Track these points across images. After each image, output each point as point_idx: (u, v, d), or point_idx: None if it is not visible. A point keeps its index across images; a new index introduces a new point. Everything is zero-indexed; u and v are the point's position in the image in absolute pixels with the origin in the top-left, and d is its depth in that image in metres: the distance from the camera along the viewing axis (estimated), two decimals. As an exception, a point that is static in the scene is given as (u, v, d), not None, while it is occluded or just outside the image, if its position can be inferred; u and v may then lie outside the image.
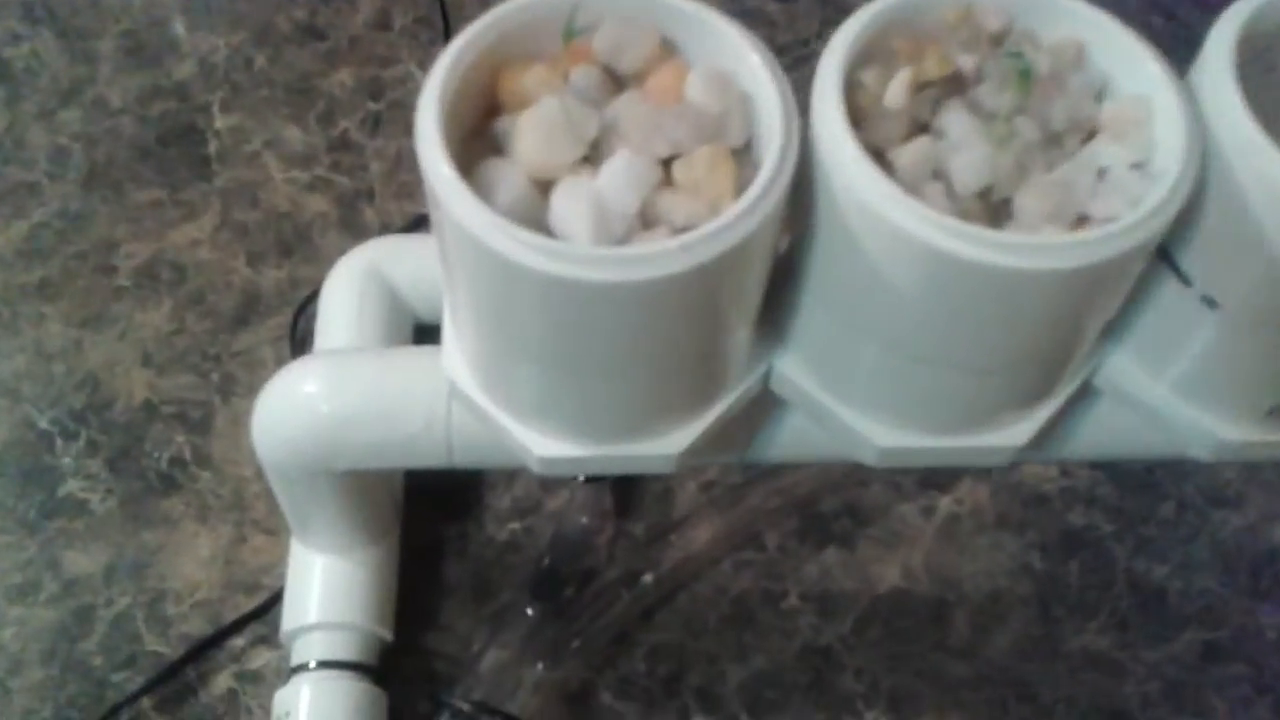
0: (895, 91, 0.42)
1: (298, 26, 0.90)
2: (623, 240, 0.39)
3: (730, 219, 0.38)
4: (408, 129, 0.92)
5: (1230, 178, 0.41)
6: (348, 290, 0.70)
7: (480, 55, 0.42)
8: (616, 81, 0.43)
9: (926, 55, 0.43)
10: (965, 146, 0.41)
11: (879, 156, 0.42)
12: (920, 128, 0.43)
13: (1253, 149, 0.39)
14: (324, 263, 0.79)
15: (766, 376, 0.49)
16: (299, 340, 0.75)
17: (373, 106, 0.87)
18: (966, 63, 0.43)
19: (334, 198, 0.82)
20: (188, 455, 0.71)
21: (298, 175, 0.82)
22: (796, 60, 0.94)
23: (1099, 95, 0.43)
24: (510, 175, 0.40)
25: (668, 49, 0.43)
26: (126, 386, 0.73)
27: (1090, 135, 0.43)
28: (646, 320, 0.40)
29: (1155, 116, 0.42)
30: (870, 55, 0.43)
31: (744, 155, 0.42)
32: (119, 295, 0.76)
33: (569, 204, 0.39)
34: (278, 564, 0.67)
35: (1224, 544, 0.75)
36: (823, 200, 0.42)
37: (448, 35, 0.87)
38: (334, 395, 0.54)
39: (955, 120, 0.42)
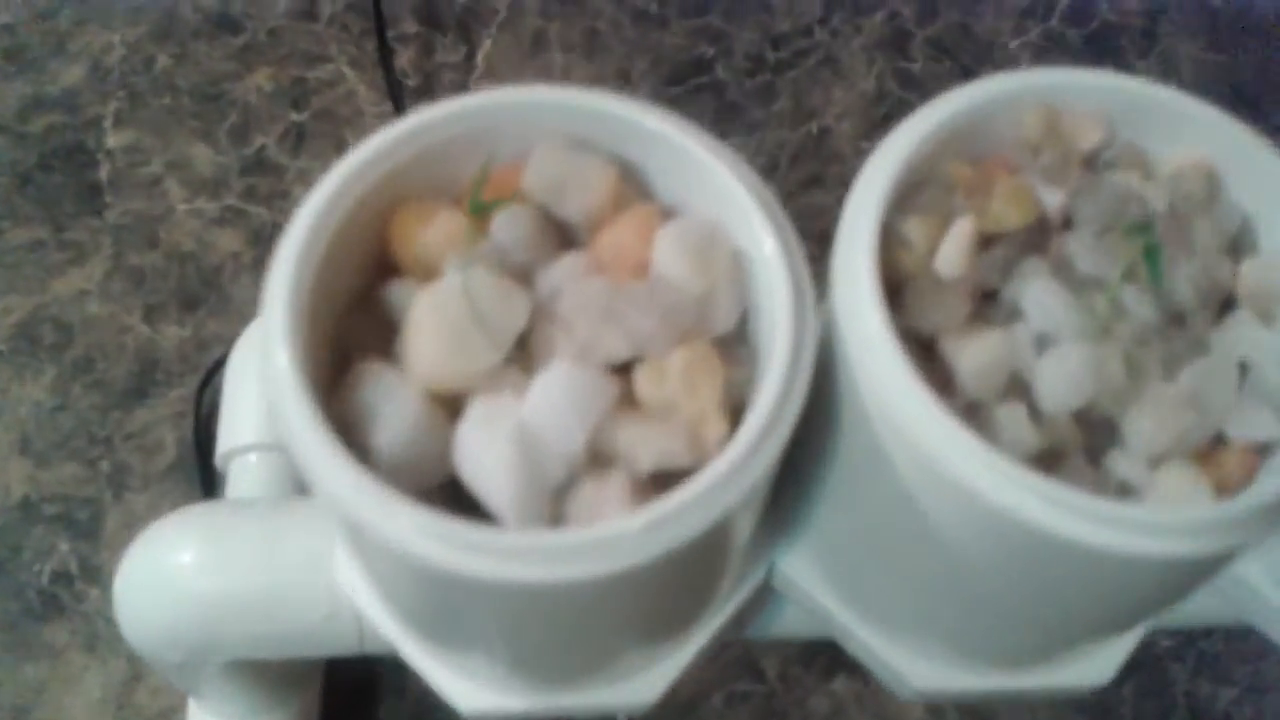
0: (952, 252, 0.29)
1: (207, 17, 0.76)
2: (564, 487, 0.27)
3: (719, 476, 0.26)
4: (338, 145, 0.78)
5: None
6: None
7: (363, 199, 0.30)
8: (555, 229, 0.31)
9: (995, 190, 0.30)
10: (1054, 340, 0.29)
11: (928, 347, 0.29)
12: (984, 294, 0.30)
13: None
14: (236, 316, 0.66)
15: (768, 573, 0.38)
16: (204, 418, 0.63)
17: (295, 117, 0.73)
18: (1051, 198, 0.31)
19: (248, 233, 0.69)
20: (73, 568, 0.60)
21: (205, 206, 0.69)
22: (796, 54, 0.81)
23: (1234, 246, 0.31)
24: (399, 395, 0.27)
25: (629, 185, 0.31)
26: (1, 480, 0.61)
27: (1223, 307, 0.30)
28: (599, 608, 0.28)
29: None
30: (916, 188, 0.31)
31: (734, 343, 0.30)
32: (-9, 362, 0.64)
33: (482, 442, 0.27)
34: (179, 708, 0.56)
35: None
36: (846, 403, 0.30)
37: (380, 28, 0.74)
38: (214, 569, 0.42)
39: (1038, 293, 0.29)
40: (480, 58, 0.80)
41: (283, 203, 0.70)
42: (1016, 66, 0.84)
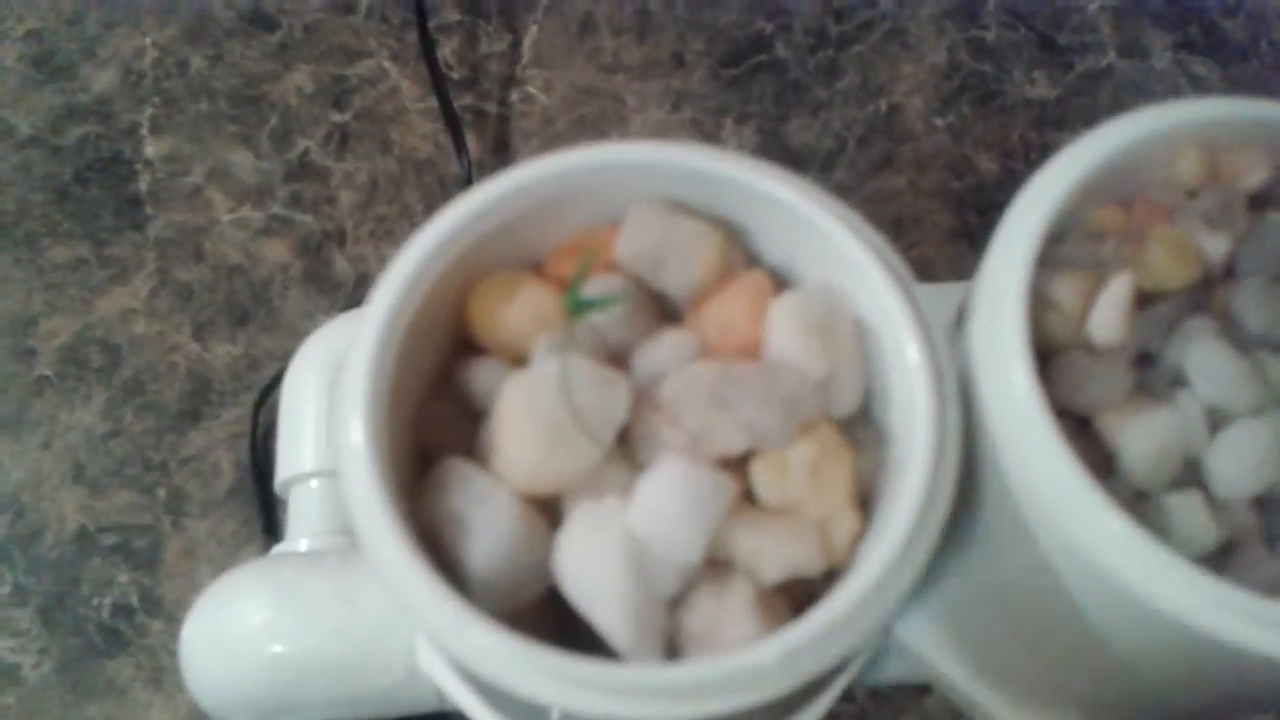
0: (1110, 315, 0.26)
1: (241, 14, 0.73)
2: (678, 599, 0.24)
3: (859, 597, 0.23)
4: (383, 145, 0.75)
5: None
6: (319, 383, 0.55)
7: (443, 275, 0.27)
8: (653, 302, 0.27)
9: (1151, 241, 0.27)
10: (1224, 412, 0.25)
11: (1082, 425, 0.26)
12: (1140, 357, 0.27)
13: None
14: (287, 331, 0.64)
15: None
16: (261, 439, 0.60)
17: (337, 118, 0.70)
18: (1213, 246, 0.27)
19: (296, 243, 0.66)
20: (134, 600, 0.57)
21: (249, 215, 0.66)
22: (860, 27, 0.77)
23: None
24: (492, 502, 0.25)
25: (735, 252, 0.27)
26: (56, 510, 0.59)
27: None
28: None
29: None
30: (1058, 239, 0.27)
31: (858, 423, 0.27)
32: (40, 389, 0.61)
33: (587, 554, 0.24)
34: (247, 746, 0.54)
35: None
36: (989, 480, 0.26)
37: (422, 18, 0.70)
38: (286, 632, 0.40)
39: (1204, 358, 0.26)
40: (526, 45, 0.76)
41: (330, 209, 0.67)
42: (1098, 33, 0.79)
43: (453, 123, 0.69)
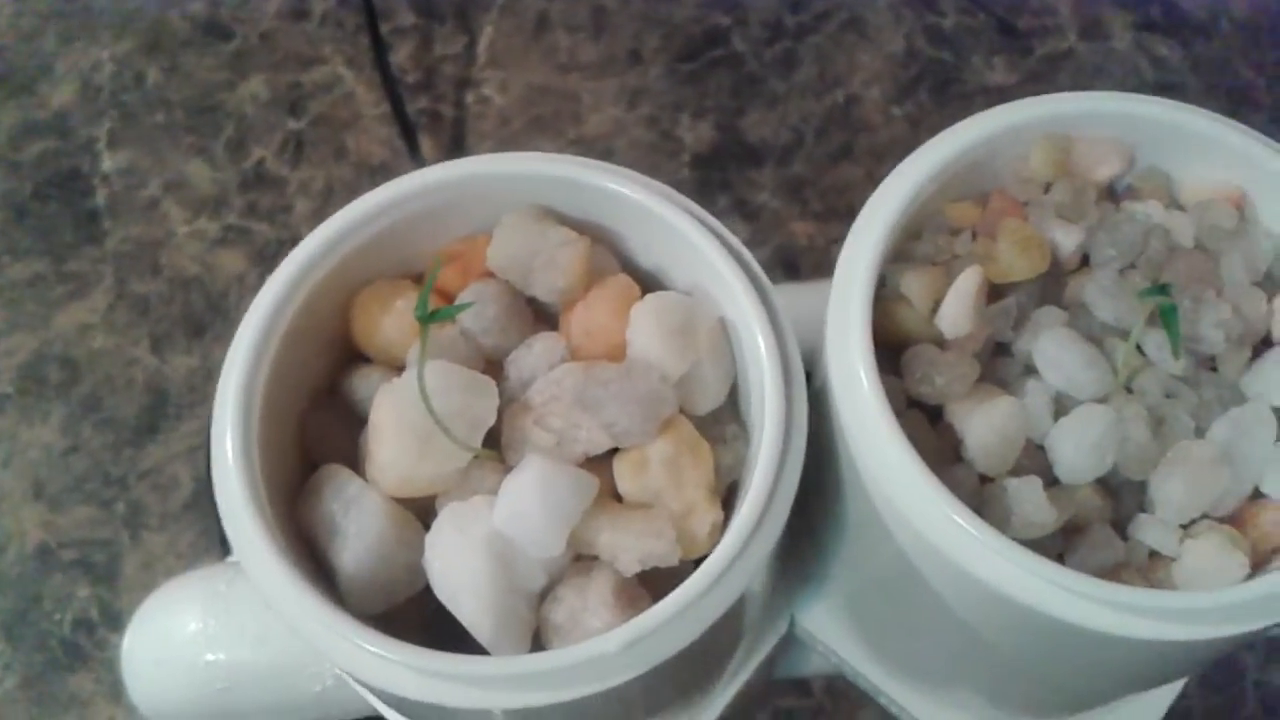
0: (957, 309, 0.27)
1: (196, 25, 0.74)
2: (545, 591, 0.25)
3: (701, 587, 0.24)
4: (338, 152, 0.76)
5: None
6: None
7: (323, 284, 0.28)
8: (529, 307, 0.28)
9: (1002, 235, 0.28)
10: (1072, 399, 0.26)
11: (934, 415, 0.27)
12: (995, 347, 0.28)
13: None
14: (245, 339, 0.65)
15: (791, 624, 0.36)
16: (220, 446, 0.61)
17: (293, 125, 0.71)
18: (1065, 238, 0.28)
19: (252, 252, 0.67)
20: (95, 614, 0.59)
21: (205, 226, 0.67)
22: (817, 18, 0.78)
23: (1269, 280, 0.28)
24: (363, 505, 0.26)
25: (607, 253, 0.28)
26: (16, 527, 0.60)
27: (1260, 345, 0.28)
28: (597, 710, 0.26)
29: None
30: (915, 234, 0.28)
31: (725, 419, 0.27)
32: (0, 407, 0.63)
33: (453, 552, 0.25)
34: (209, 748, 0.55)
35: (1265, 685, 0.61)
36: (845, 471, 0.27)
37: (373, 23, 0.71)
38: (219, 640, 0.41)
39: (1052, 347, 0.27)
40: (482, 46, 0.77)
41: (286, 217, 0.68)
42: (1057, 16, 0.79)
43: (406, 127, 0.70)
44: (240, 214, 0.68)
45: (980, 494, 0.26)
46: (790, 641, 0.37)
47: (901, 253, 0.28)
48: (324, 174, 0.69)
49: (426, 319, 0.24)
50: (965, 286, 0.27)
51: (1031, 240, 0.27)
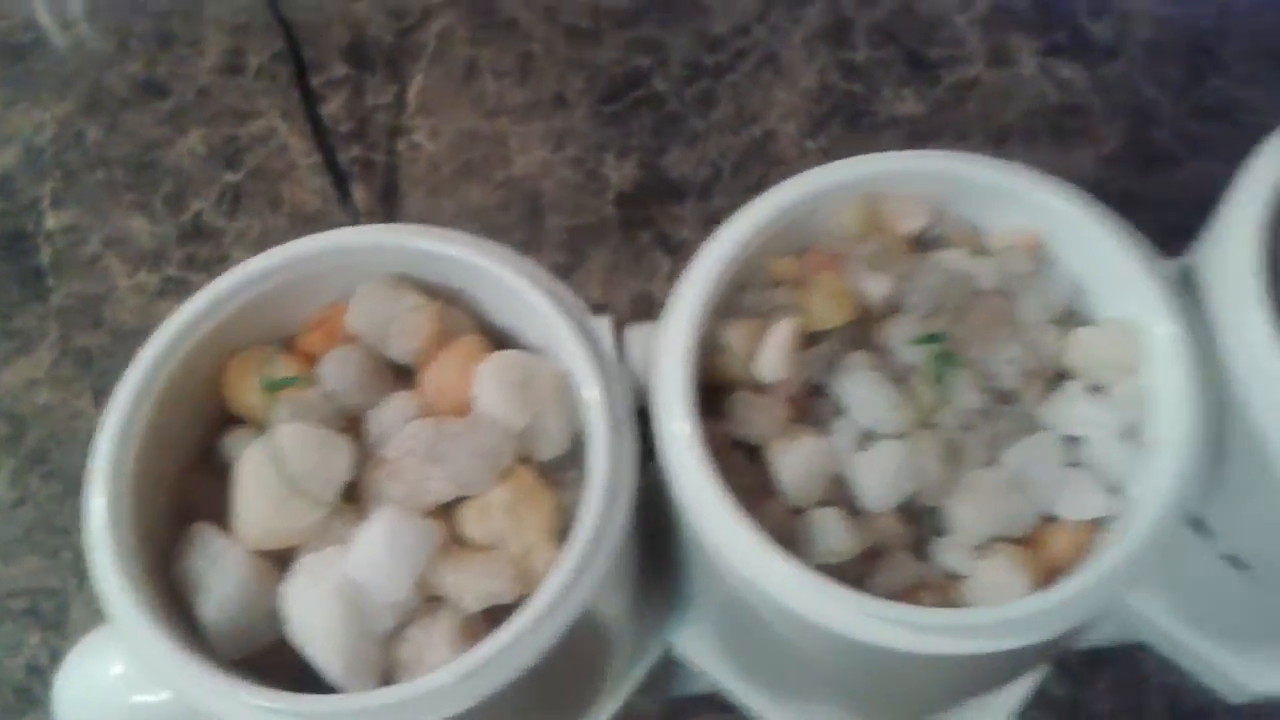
0: (771, 357, 0.29)
1: (135, 84, 0.76)
2: (395, 633, 0.28)
3: (529, 621, 0.26)
4: (273, 202, 0.79)
5: (1254, 427, 0.29)
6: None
7: (195, 352, 0.30)
8: (391, 369, 0.31)
9: (816, 287, 0.30)
10: (878, 435, 0.29)
11: (753, 453, 0.29)
12: (813, 389, 0.30)
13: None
14: (186, 388, 0.67)
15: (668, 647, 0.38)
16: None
17: (229, 178, 0.73)
18: (876, 287, 0.30)
19: (192, 302, 0.69)
20: (45, 660, 0.61)
21: (146, 279, 0.69)
22: (735, 56, 0.80)
23: (1066, 317, 0.31)
24: (226, 559, 0.28)
25: (466, 316, 0.31)
26: (-33, 577, 0.63)
27: (1056, 379, 0.30)
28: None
29: (1150, 351, 0.29)
30: (743, 286, 0.31)
31: (570, 465, 0.30)
32: (-49, 459, 0.65)
33: (308, 600, 0.27)
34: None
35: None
36: (680, 516, 0.30)
37: (302, 76, 0.73)
38: (143, 682, 0.43)
39: (858, 388, 0.29)
40: (412, 94, 0.79)
41: (223, 267, 0.69)
42: (964, 46, 0.82)
43: (337, 175, 0.73)
44: (179, 266, 0.70)
45: (791, 525, 0.28)
46: (674, 667, 0.40)
47: (730, 305, 0.30)
48: (260, 224, 0.72)
49: (272, 387, 0.27)
50: (780, 336, 0.29)
51: (840, 291, 0.30)
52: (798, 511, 0.28)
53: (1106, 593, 0.26)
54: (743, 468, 0.29)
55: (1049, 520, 0.29)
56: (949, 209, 0.31)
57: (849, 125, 0.78)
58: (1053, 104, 0.78)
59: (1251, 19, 0.80)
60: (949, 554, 0.28)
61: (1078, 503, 0.28)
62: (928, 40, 0.80)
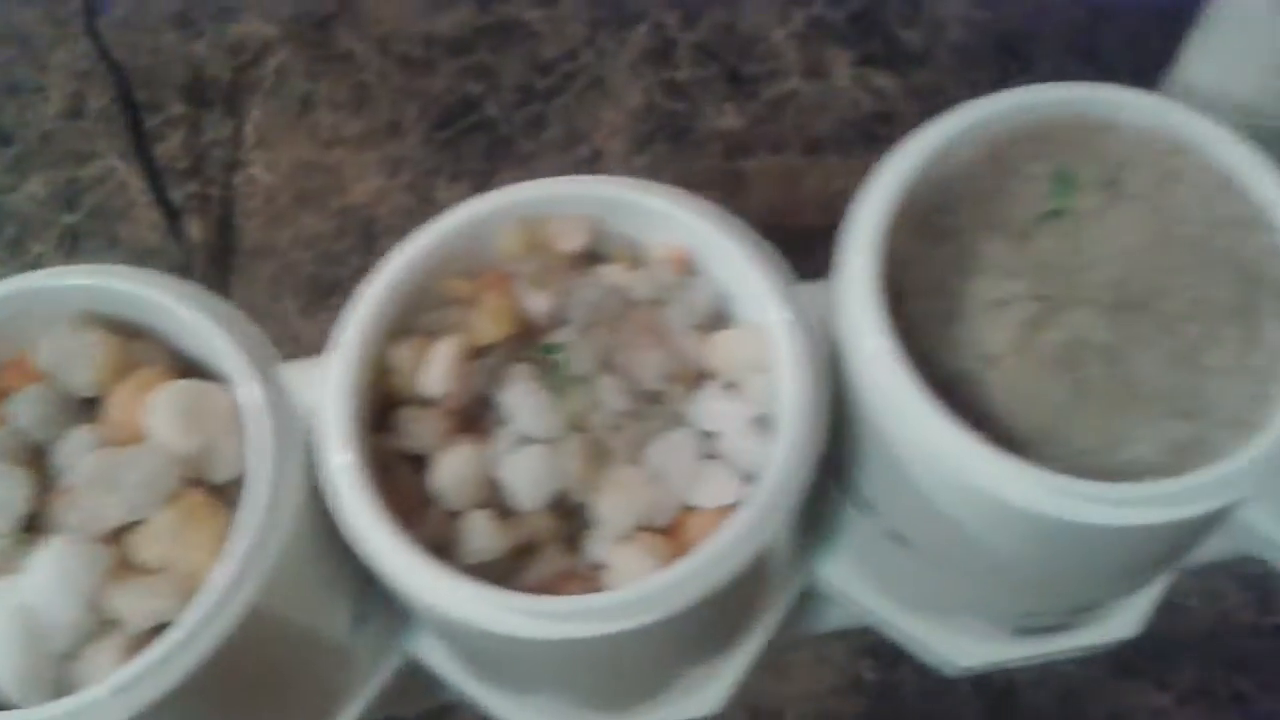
0: (434, 372, 0.31)
1: (-26, 133, 0.78)
2: (72, 653, 0.29)
3: (176, 641, 0.28)
4: (111, 241, 0.80)
5: (878, 429, 0.31)
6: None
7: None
8: (76, 405, 0.33)
9: (481, 306, 0.32)
10: (535, 439, 0.31)
11: (421, 463, 0.31)
12: (484, 401, 0.32)
13: (898, 398, 0.30)
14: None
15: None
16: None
17: (69, 219, 0.75)
18: (538, 305, 0.33)
19: (26, 344, 0.70)
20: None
21: (-18, 324, 0.71)
22: (564, 79, 0.83)
23: (714, 322, 0.33)
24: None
25: (146, 354, 0.33)
26: None
27: (700, 379, 0.33)
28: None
29: (776, 353, 0.31)
30: (421, 306, 0.33)
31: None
32: None
33: (-10, 623, 0.29)
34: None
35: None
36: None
37: (134, 115, 0.75)
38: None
39: (517, 397, 0.31)
40: (249, 129, 0.81)
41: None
42: (782, 60, 0.85)
43: (168, 211, 0.74)
44: (12, 309, 0.71)
45: (449, 528, 0.30)
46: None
47: (408, 326, 0.33)
48: (98, 262, 0.73)
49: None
50: (442, 352, 0.31)
51: (501, 308, 0.32)
52: (455, 515, 0.30)
53: (722, 569, 0.29)
54: (409, 479, 0.31)
55: (689, 509, 0.31)
56: (610, 228, 0.34)
57: (673, 141, 0.81)
58: (866, 112, 0.81)
59: (1058, 17, 0.84)
60: (596, 546, 0.30)
61: (712, 491, 0.31)
62: (747, 56, 0.83)
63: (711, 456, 0.32)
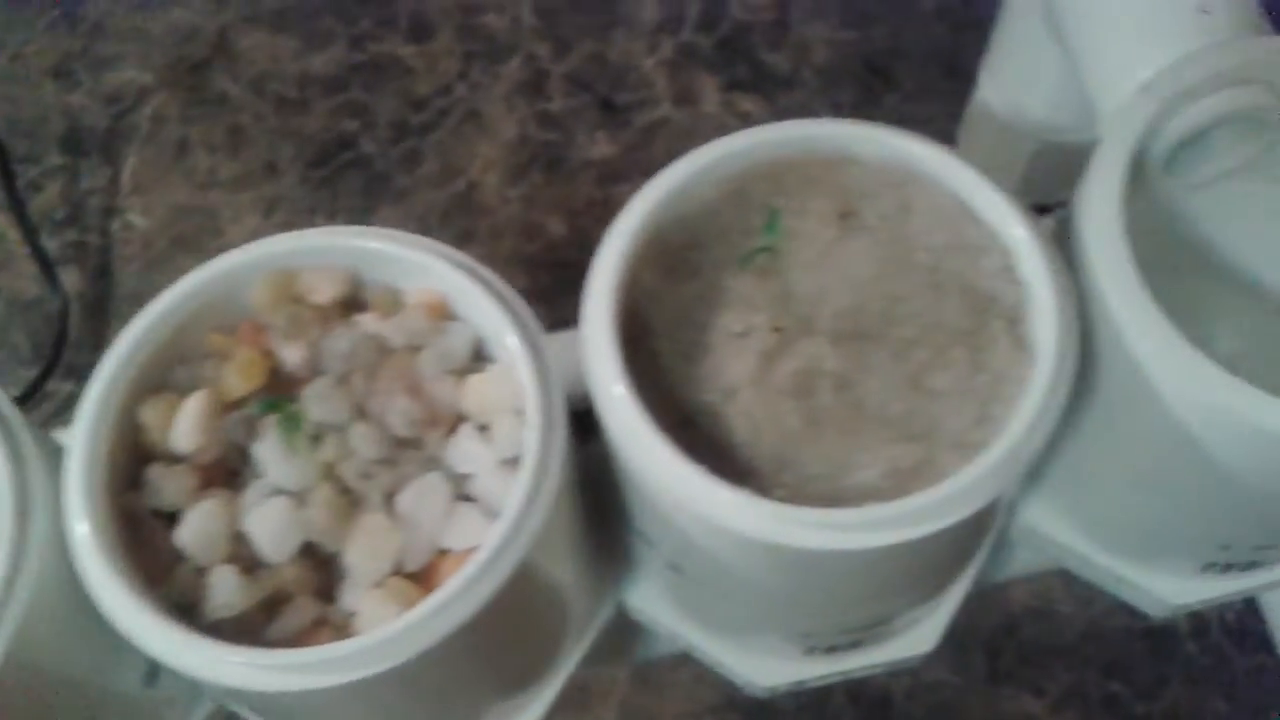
0: (184, 428, 0.32)
1: None
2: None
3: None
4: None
5: (622, 455, 0.32)
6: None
7: None
8: None
9: (233, 357, 0.33)
10: (274, 493, 0.32)
11: (175, 520, 0.32)
12: (242, 454, 0.33)
13: (638, 437, 0.31)
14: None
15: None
16: None
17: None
18: (291, 356, 0.33)
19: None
20: None
21: None
22: (439, 114, 0.84)
23: (472, 367, 0.34)
24: None
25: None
26: None
27: (458, 423, 0.33)
28: None
29: (522, 395, 0.32)
30: (177, 361, 0.33)
31: None
32: None
33: None
34: None
35: (952, 624, 0.68)
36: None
37: (5, 167, 0.75)
38: None
39: (268, 449, 0.32)
40: (126, 176, 0.82)
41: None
42: (653, 88, 0.86)
43: (42, 262, 0.75)
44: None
45: (197, 585, 0.31)
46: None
47: (163, 382, 0.33)
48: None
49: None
50: (190, 408, 0.32)
51: (250, 361, 0.33)
52: (203, 571, 0.31)
53: (461, 609, 0.29)
54: (160, 536, 0.31)
55: (444, 553, 0.32)
56: (369, 276, 0.34)
57: (547, 171, 0.82)
58: (734, 136, 0.82)
59: (922, 35, 0.85)
60: (349, 594, 0.31)
61: (463, 533, 0.31)
62: (619, 86, 0.85)
63: (467, 498, 0.32)
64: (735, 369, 0.33)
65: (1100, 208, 0.32)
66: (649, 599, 0.41)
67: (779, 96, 0.83)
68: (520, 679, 0.39)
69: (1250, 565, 0.40)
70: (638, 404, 0.31)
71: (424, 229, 0.81)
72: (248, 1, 0.88)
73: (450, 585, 0.30)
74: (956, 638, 0.69)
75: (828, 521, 0.30)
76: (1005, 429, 0.30)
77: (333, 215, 0.81)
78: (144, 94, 0.85)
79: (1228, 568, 0.40)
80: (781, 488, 0.31)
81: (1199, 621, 0.69)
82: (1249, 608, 0.69)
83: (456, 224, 0.80)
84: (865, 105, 0.82)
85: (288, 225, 0.80)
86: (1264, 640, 0.69)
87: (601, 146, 0.82)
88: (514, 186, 0.81)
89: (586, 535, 0.38)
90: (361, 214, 0.80)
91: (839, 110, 0.82)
